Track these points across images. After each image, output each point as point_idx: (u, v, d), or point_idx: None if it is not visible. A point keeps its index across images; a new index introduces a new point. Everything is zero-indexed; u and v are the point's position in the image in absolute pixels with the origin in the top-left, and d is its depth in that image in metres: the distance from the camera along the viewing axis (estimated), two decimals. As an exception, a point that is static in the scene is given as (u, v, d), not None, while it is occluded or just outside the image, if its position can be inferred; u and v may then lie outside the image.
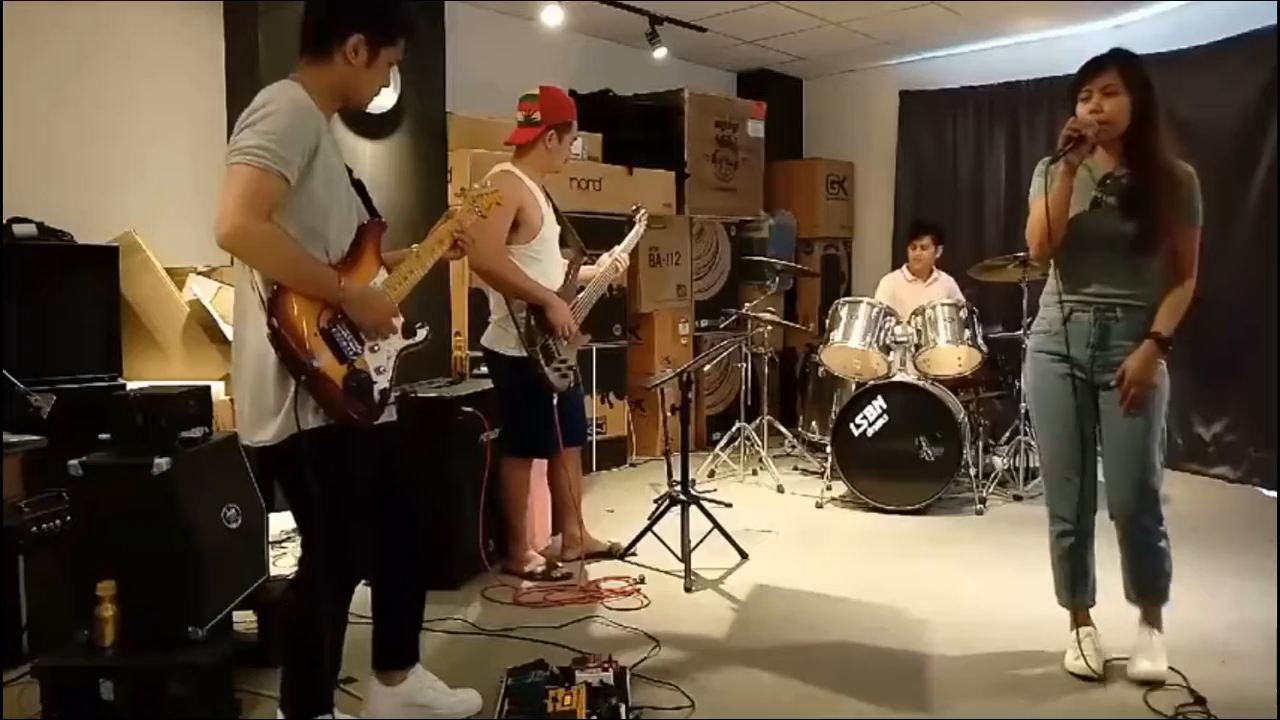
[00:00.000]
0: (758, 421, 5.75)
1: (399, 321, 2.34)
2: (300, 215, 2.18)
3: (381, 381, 2.30)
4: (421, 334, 2.42)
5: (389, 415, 2.38)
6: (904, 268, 5.91)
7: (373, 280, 2.33)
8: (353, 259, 2.30)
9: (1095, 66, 2.72)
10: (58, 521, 3.01)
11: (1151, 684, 2.76)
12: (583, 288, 3.92)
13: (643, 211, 4.20)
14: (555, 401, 3.70)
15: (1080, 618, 2.99)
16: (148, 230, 4.13)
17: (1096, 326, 2.77)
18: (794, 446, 5.87)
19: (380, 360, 2.31)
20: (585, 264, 3.92)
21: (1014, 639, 3.14)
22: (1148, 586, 2.88)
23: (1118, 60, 2.70)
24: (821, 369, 5.51)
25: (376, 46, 2.28)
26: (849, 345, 5.00)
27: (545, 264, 3.72)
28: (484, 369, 3.92)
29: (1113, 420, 2.79)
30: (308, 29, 2.29)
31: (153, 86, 4.46)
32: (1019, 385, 5.02)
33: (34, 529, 2.96)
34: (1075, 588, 2.96)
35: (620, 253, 4.05)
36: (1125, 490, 2.78)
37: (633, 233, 4.12)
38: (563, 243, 3.86)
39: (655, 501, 4.22)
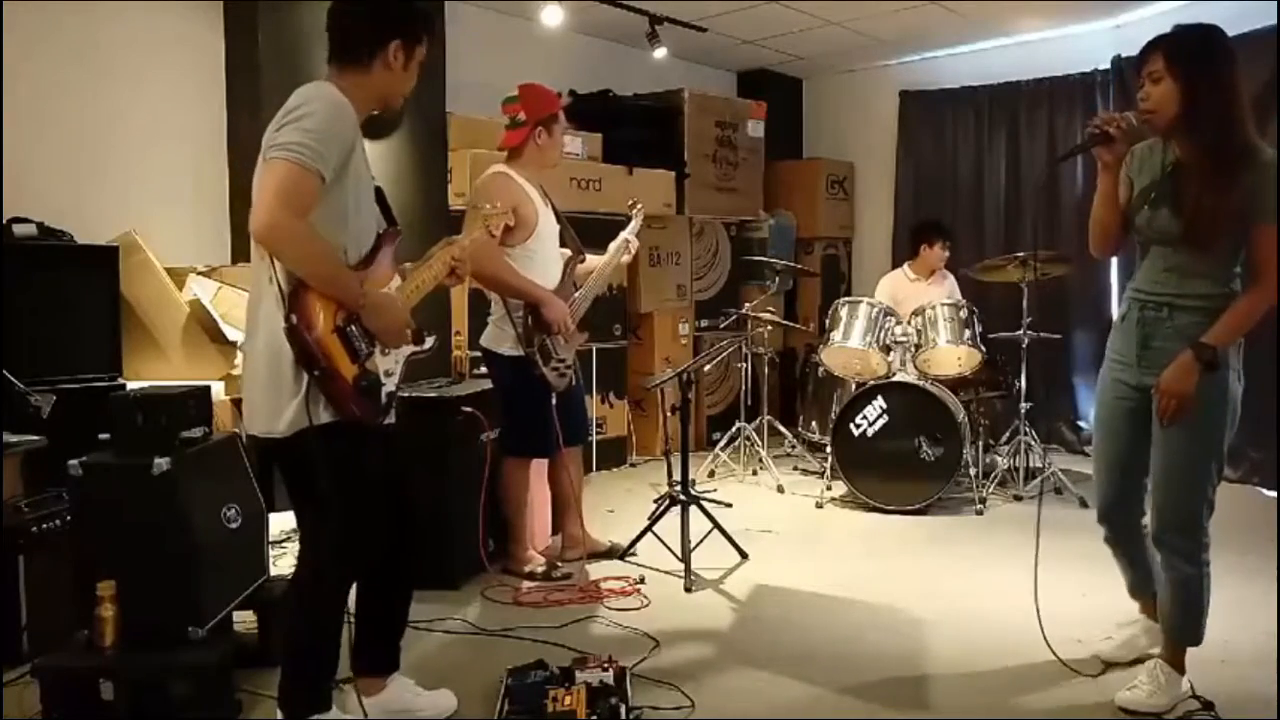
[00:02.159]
0: (758, 421, 5.75)
1: (411, 332, 2.37)
2: (328, 215, 2.21)
3: (389, 384, 2.33)
4: (429, 342, 2.46)
5: (388, 418, 2.40)
6: (905, 266, 5.91)
7: (388, 287, 2.35)
8: (369, 264, 2.33)
9: (1143, 52, 2.52)
10: (58, 521, 3.00)
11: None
12: (579, 285, 3.91)
13: (639, 207, 4.21)
14: (554, 401, 3.71)
15: (1141, 607, 2.97)
16: (148, 230, 4.12)
17: (1139, 325, 2.63)
18: (794, 446, 5.87)
19: (390, 363, 2.34)
20: (580, 263, 3.92)
21: (1014, 639, 3.14)
22: (1166, 618, 2.70)
23: (1162, 44, 2.49)
24: (821, 369, 5.51)
25: (411, 47, 2.36)
26: (849, 345, 5.00)
27: (541, 263, 3.72)
28: (484, 369, 3.92)
29: (1155, 429, 2.61)
30: (344, 41, 2.32)
31: (153, 86, 4.45)
32: (1019, 385, 5.03)
33: (34, 529, 2.95)
34: (1125, 578, 2.93)
35: (628, 235, 4.04)
36: (1153, 505, 2.67)
37: (632, 225, 4.12)
38: (561, 242, 3.86)
39: (655, 501, 4.22)
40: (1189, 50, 2.46)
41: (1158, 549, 2.67)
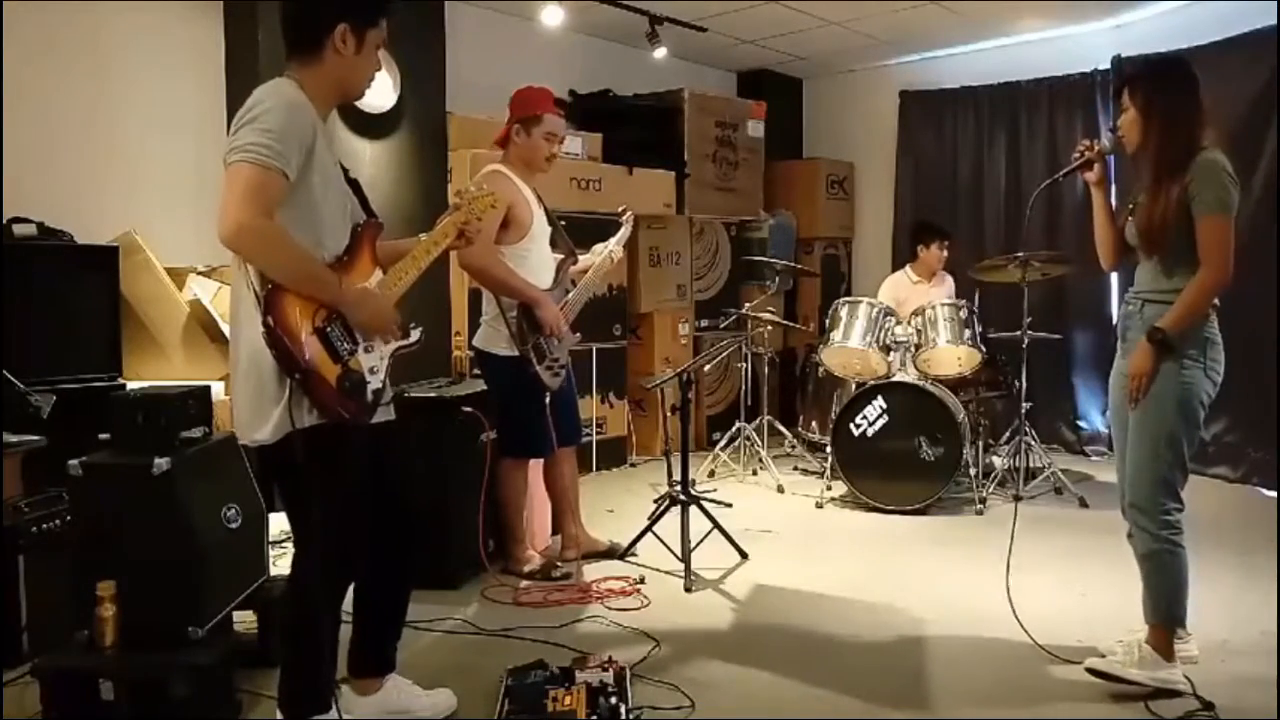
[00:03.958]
0: (758, 421, 5.75)
1: (399, 324, 2.34)
2: (297, 213, 2.17)
3: (375, 381, 2.30)
4: (415, 335, 2.42)
5: (386, 415, 2.38)
6: (907, 268, 5.90)
7: (369, 281, 2.32)
8: (350, 259, 2.30)
9: (1119, 80, 2.90)
10: (58, 521, 3.00)
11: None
12: (574, 284, 3.90)
13: (630, 214, 4.20)
14: (548, 401, 3.70)
15: None
16: (148, 230, 4.13)
17: (1122, 320, 2.91)
18: (794, 446, 5.87)
19: (374, 360, 2.30)
20: (573, 264, 3.92)
21: (1013, 639, 3.14)
22: (1144, 600, 2.82)
23: (1126, 75, 2.88)
24: (821, 369, 5.51)
25: (362, 31, 2.28)
26: (849, 345, 5.00)
27: (535, 263, 3.72)
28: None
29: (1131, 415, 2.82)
30: (291, 31, 2.28)
31: (153, 86, 4.45)
32: (1019, 385, 5.03)
33: (34, 529, 2.95)
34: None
35: (614, 245, 4.03)
36: (1126, 485, 2.84)
37: (621, 232, 4.11)
38: (553, 244, 3.86)
39: (655, 501, 4.22)
40: (1149, 82, 2.79)
41: (1129, 524, 2.83)
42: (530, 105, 3.73)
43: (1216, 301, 2.73)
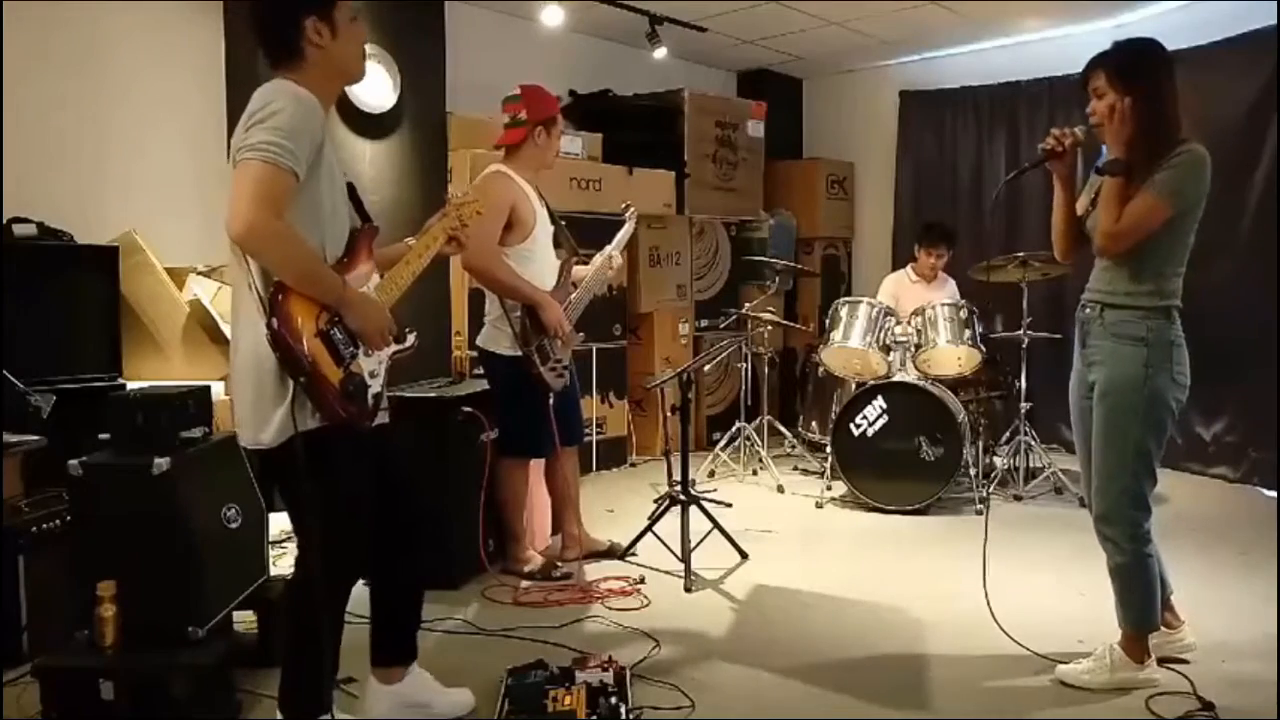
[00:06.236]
0: (758, 421, 5.75)
1: (393, 330, 2.34)
2: (302, 213, 2.17)
3: (375, 385, 2.31)
4: (411, 339, 2.43)
5: (382, 418, 2.39)
6: (909, 268, 5.90)
7: (366, 285, 2.33)
8: (348, 263, 2.30)
9: (1087, 69, 2.72)
10: (58, 521, 3.01)
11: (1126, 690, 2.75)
12: (577, 285, 3.90)
13: (632, 210, 4.20)
14: (550, 401, 3.70)
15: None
16: (148, 230, 4.12)
17: (1080, 325, 2.81)
18: (794, 446, 5.87)
19: (374, 364, 2.31)
20: (577, 264, 3.92)
21: (1014, 639, 3.14)
22: (1116, 607, 2.80)
23: (1103, 61, 2.69)
24: (821, 369, 5.51)
25: (329, 14, 2.24)
26: (849, 345, 5.00)
27: (538, 264, 3.72)
28: (483, 369, 3.92)
29: (1093, 420, 2.76)
30: (267, 44, 2.25)
31: (153, 86, 4.45)
32: (1019, 385, 5.03)
33: (34, 529, 2.96)
34: None
35: (613, 250, 4.03)
36: (1092, 496, 2.80)
37: (623, 231, 4.11)
38: (556, 244, 3.86)
39: (655, 501, 4.22)
40: (1129, 66, 2.64)
41: (1096, 532, 2.79)
42: (550, 106, 3.76)
43: (1180, 304, 2.66)
